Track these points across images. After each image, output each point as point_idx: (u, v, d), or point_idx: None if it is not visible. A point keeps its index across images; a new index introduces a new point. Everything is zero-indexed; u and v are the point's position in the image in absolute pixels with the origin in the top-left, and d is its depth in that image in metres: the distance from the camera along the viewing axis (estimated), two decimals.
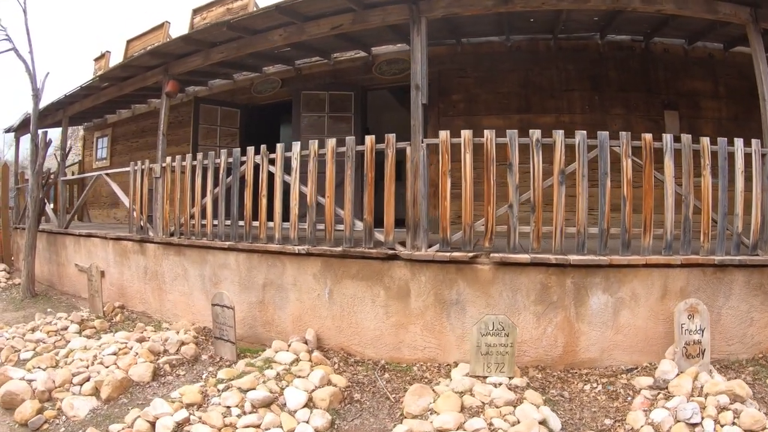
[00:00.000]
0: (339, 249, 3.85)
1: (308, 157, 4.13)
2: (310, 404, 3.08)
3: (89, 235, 6.35)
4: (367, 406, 3.14)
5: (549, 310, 3.40)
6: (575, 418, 2.91)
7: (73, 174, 8.96)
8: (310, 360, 3.61)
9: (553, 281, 3.41)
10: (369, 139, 3.88)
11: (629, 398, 3.05)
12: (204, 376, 3.83)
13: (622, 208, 3.51)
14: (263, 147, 4.47)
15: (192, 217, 4.93)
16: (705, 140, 3.58)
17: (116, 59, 9.18)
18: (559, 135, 3.51)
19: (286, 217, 4.24)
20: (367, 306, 3.71)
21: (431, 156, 3.93)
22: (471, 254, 3.49)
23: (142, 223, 5.49)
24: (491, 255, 3.43)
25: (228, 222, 4.67)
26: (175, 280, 5.08)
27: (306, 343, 3.86)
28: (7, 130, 8.51)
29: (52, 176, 7.19)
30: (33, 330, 4.96)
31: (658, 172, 3.53)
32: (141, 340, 4.38)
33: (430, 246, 3.68)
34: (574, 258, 3.37)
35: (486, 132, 3.55)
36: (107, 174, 6.35)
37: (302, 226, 4.21)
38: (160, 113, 5.42)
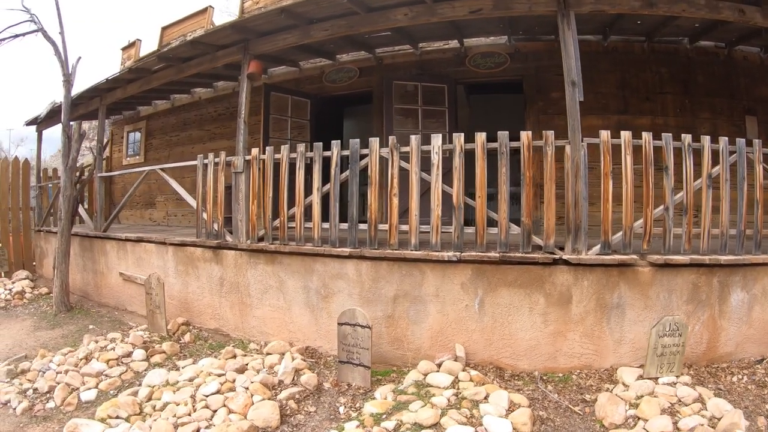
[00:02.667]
0: (496, 255, 3.48)
1: (453, 152, 3.67)
2: None
3: (140, 240, 5.50)
4: (558, 424, 2.87)
5: (698, 309, 3.46)
6: (741, 406, 2.93)
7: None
8: (470, 380, 3.22)
9: (702, 281, 3.47)
10: (525, 134, 3.53)
11: None
12: (342, 411, 3.16)
13: (755, 210, 3.62)
14: (392, 138, 3.87)
15: (291, 219, 4.20)
16: None
17: (147, 48, 8.37)
18: (706, 140, 3.56)
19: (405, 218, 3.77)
20: (524, 315, 3.46)
21: (536, 154, 3.64)
22: (636, 257, 3.42)
23: (216, 227, 4.71)
24: (652, 257, 3.43)
25: (344, 225, 3.96)
26: (266, 292, 4.32)
27: (456, 360, 3.42)
28: (30, 123, 7.52)
29: (86, 172, 6.29)
30: (87, 358, 4.07)
31: None
32: (241, 370, 3.59)
33: (589, 249, 3.48)
34: (724, 258, 3.46)
35: (644, 134, 3.51)
36: (162, 169, 5.52)
37: (444, 229, 3.68)
38: (240, 98, 4.67)
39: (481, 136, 3.60)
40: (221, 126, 7.15)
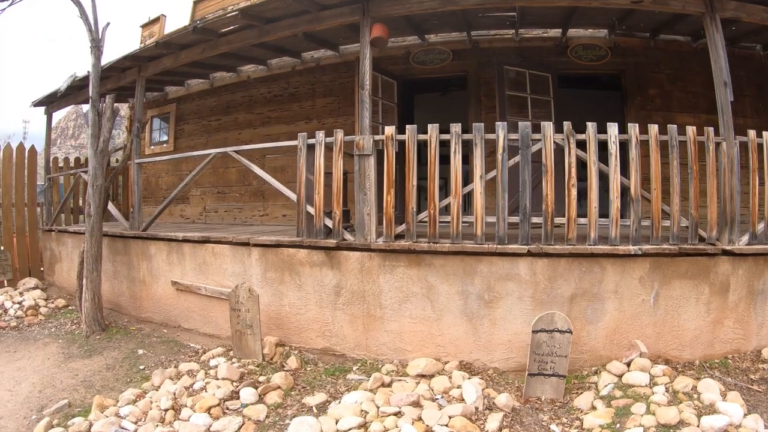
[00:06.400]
0: (674, 247, 3.46)
1: (629, 143, 3.49)
2: None
3: (206, 241, 4.52)
4: (753, 402, 2.96)
5: None
6: None
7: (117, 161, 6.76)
8: (663, 374, 3.15)
9: None
10: (690, 129, 3.56)
11: None
12: (558, 431, 2.73)
13: None
14: (567, 124, 3.51)
15: (445, 211, 3.52)
16: None
17: (173, 24, 7.33)
18: None
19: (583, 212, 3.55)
20: (691, 306, 3.52)
21: (641, 149, 3.57)
22: None
23: (330, 223, 3.90)
24: None
25: (513, 218, 3.37)
26: (406, 301, 3.59)
27: (641, 356, 3.28)
28: (38, 103, 6.05)
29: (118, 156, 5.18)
30: (175, 409, 3.06)
31: None
32: (417, 403, 2.87)
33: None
34: None
35: (764, 134, 3.65)
36: (237, 151, 4.59)
37: (622, 222, 3.51)
38: (362, 67, 3.90)
39: (653, 128, 3.49)
40: (278, 109, 6.26)
